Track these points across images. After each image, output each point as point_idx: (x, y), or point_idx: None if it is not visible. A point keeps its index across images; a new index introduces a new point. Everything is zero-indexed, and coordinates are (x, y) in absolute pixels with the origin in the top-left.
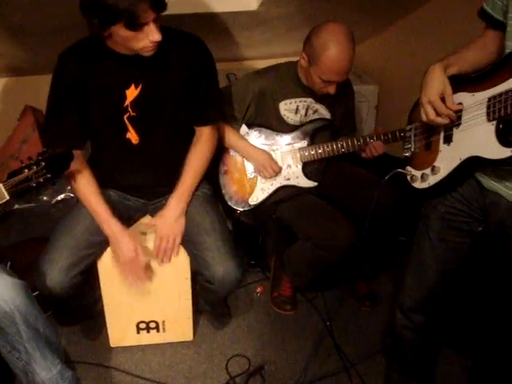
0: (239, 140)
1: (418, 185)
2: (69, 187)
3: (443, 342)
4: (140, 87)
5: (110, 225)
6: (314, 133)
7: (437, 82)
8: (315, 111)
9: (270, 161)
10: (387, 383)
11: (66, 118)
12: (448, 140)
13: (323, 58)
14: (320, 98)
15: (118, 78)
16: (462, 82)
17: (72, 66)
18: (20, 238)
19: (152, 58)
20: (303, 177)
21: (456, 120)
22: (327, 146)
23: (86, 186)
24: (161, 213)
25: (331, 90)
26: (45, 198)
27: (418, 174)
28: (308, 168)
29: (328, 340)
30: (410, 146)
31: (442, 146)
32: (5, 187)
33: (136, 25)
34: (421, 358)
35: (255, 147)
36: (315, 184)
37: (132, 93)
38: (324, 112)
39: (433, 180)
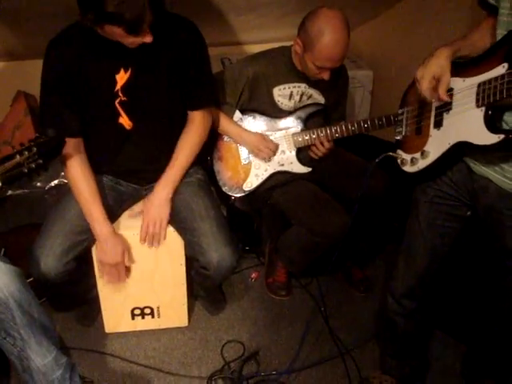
0: (232, 125)
1: (407, 168)
2: (62, 173)
3: (438, 327)
4: (130, 71)
5: (101, 226)
6: (308, 118)
7: (437, 64)
8: (309, 97)
9: (263, 141)
10: (382, 368)
11: (59, 106)
12: (438, 125)
13: (318, 45)
14: (314, 83)
15: (107, 63)
16: (456, 67)
17: (61, 52)
18: (14, 225)
19: None
20: (297, 162)
21: (448, 102)
22: (321, 131)
23: (81, 180)
24: (147, 198)
25: (325, 75)
26: (38, 184)
27: (407, 157)
28: (302, 154)
29: (323, 325)
30: (401, 129)
31: (433, 131)
32: None
33: (137, 31)
34: (413, 343)
35: (248, 131)
36: (309, 170)
37: (122, 77)
38: (318, 97)
39: (422, 164)
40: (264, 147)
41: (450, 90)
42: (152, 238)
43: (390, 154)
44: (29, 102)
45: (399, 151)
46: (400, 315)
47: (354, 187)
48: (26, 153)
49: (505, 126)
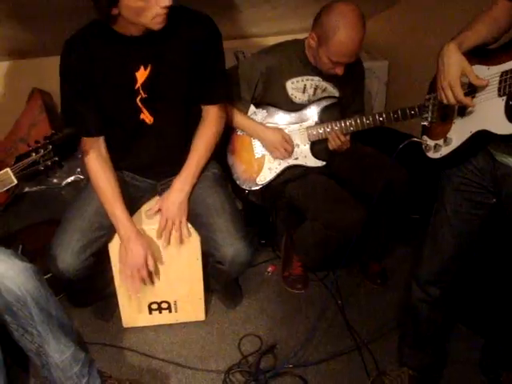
0: (248, 121)
1: (431, 154)
2: (78, 169)
3: (457, 319)
4: (149, 68)
5: (126, 227)
6: (323, 111)
7: (454, 63)
8: (324, 90)
9: (282, 141)
10: (400, 359)
11: (79, 106)
12: (462, 113)
13: (334, 40)
14: (328, 76)
15: (126, 61)
16: (477, 55)
17: (79, 53)
18: (31, 221)
19: (159, 38)
20: (311, 156)
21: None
22: (336, 125)
23: (104, 180)
24: (165, 195)
25: (339, 71)
26: (55, 181)
27: (431, 143)
28: (316, 147)
29: (339, 319)
30: (427, 115)
31: (456, 118)
32: (12, 171)
33: None
34: (434, 332)
35: (265, 127)
36: (323, 163)
37: (142, 75)
38: (333, 90)
39: (445, 151)
40: (281, 147)
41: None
42: (169, 235)
43: (415, 139)
44: (44, 99)
45: (424, 137)
46: (424, 302)
47: (370, 181)
48: (42, 151)
49: None
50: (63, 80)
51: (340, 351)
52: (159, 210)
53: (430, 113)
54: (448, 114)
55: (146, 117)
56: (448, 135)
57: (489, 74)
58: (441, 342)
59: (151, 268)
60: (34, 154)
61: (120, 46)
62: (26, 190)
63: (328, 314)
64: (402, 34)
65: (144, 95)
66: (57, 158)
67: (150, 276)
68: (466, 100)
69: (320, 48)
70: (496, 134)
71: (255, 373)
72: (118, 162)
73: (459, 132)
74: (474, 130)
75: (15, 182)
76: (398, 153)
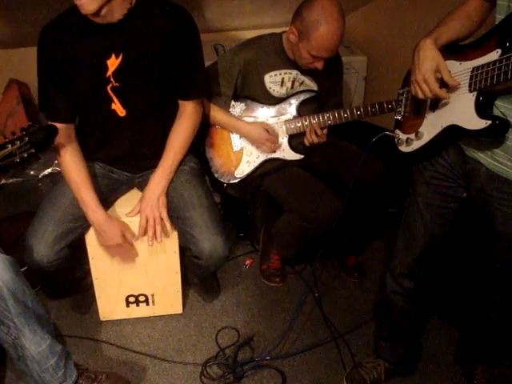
0: (230, 119)
1: (402, 148)
2: (56, 161)
3: (432, 311)
4: (121, 56)
5: (94, 212)
6: (301, 105)
7: (430, 58)
8: (301, 83)
9: (265, 135)
10: (375, 351)
11: (52, 91)
12: (433, 107)
13: (315, 35)
14: (306, 70)
15: (98, 48)
16: (450, 50)
17: (53, 39)
18: (7, 213)
19: (132, 26)
20: (289, 149)
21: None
22: (313, 118)
23: (73, 167)
24: (143, 194)
25: (319, 65)
26: (32, 173)
27: (404, 137)
28: (294, 141)
29: (316, 311)
30: (400, 109)
31: (428, 113)
32: None
33: None
34: (409, 324)
35: (247, 124)
36: (301, 157)
37: (113, 62)
38: (311, 83)
39: (416, 145)
40: (266, 142)
41: None
42: (153, 232)
43: (388, 133)
44: (21, 90)
45: (397, 131)
46: (399, 294)
47: (347, 174)
48: (18, 142)
49: (496, 112)
50: (39, 63)
51: (317, 343)
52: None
53: (403, 107)
54: (420, 108)
55: (118, 108)
56: (420, 129)
57: (460, 69)
58: (416, 334)
59: (131, 240)
60: (9, 146)
61: (93, 33)
62: (3, 182)
63: (305, 307)
64: (381, 30)
65: (115, 84)
66: (33, 150)
67: (132, 246)
68: (441, 92)
69: (300, 42)
70: (466, 129)
71: (232, 365)
72: (92, 153)
73: (431, 126)
74: (444, 125)
75: None
76: (375, 146)
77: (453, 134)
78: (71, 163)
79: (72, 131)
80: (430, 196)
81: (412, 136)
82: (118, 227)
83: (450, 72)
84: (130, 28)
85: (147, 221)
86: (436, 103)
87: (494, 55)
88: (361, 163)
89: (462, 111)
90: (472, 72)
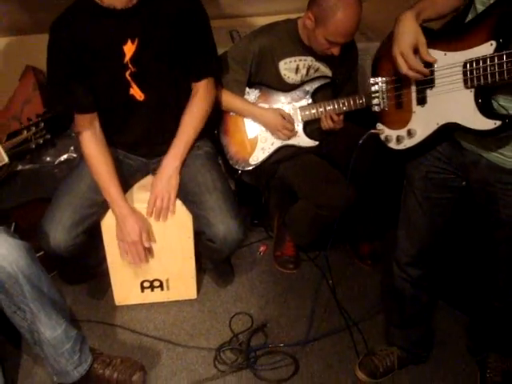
0: (246, 105)
1: (393, 146)
2: (72, 147)
3: (442, 298)
4: (137, 42)
5: (120, 206)
6: (315, 91)
7: (409, 32)
8: (316, 70)
9: (282, 122)
10: (388, 339)
11: (68, 83)
12: (422, 102)
13: (332, 20)
14: (320, 57)
15: (113, 36)
16: (432, 37)
17: (65, 32)
18: (24, 199)
19: (145, 11)
20: (304, 136)
21: (429, 77)
22: (328, 105)
23: (100, 158)
24: (156, 173)
25: (335, 51)
26: (48, 159)
27: (392, 134)
28: (309, 127)
29: (330, 298)
30: (378, 101)
31: (416, 107)
32: (4, 149)
33: None
34: (420, 310)
35: (264, 110)
36: (316, 143)
37: (130, 48)
38: (325, 70)
39: (409, 143)
40: (282, 129)
41: (430, 66)
42: (159, 212)
43: (373, 131)
44: (37, 76)
45: (381, 125)
46: (406, 282)
47: (362, 161)
48: (34, 128)
49: (495, 105)
50: (52, 59)
51: (330, 331)
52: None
53: (381, 99)
54: (404, 101)
55: (136, 92)
56: (410, 126)
57: (448, 61)
58: (427, 320)
59: (146, 244)
60: (25, 132)
61: (106, 20)
62: (19, 168)
63: (319, 294)
64: (398, 14)
65: (133, 69)
66: (49, 136)
67: (146, 251)
68: (420, 67)
69: (317, 28)
70: (471, 129)
71: (246, 350)
72: (111, 138)
73: (423, 123)
74: (441, 122)
75: (6, 160)
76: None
77: (450, 131)
78: (97, 155)
79: (95, 120)
80: (427, 189)
81: (403, 133)
82: (139, 225)
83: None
84: (144, 13)
85: (156, 199)
86: (424, 98)
87: (488, 48)
88: (354, 158)
89: (461, 109)
90: (464, 67)
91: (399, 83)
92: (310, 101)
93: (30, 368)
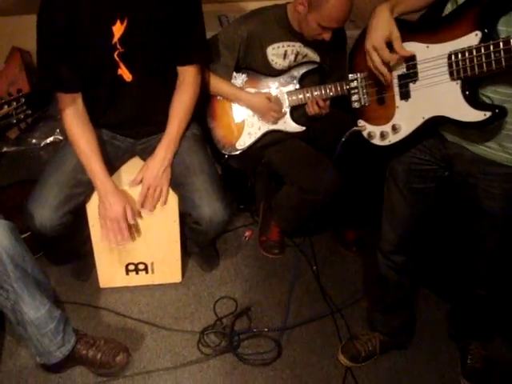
0: (232, 90)
1: (377, 142)
2: (58, 130)
3: (425, 285)
4: (126, 22)
5: (103, 182)
6: (303, 77)
7: (382, 25)
8: (305, 56)
9: (269, 105)
10: (370, 325)
11: (55, 61)
12: (405, 96)
13: (326, 5)
14: (309, 42)
15: (102, 15)
16: (412, 30)
17: (56, 7)
18: (8, 181)
19: None
20: (291, 121)
21: (411, 70)
22: (315, 90)
23: (82, 136)
24: (147, 163)
25: (327, 36)
26: (34, 141)
27: (376, 130)
28: (296, 112)
29: (314, 284)
30: (358, 97)
31: (400, 102)
32: None
33: None
34: (403, 296)
35: (250, 95)
36: (303, 129)
37: (119, 29)
38: (314, 56)
39: (394, 138)
40: (269, 112)
41: (412, 59)
42: (151, 203)
43: (355, 128)
44: (23, 57)
45: (362, 122)
46: (391, 269)
47: (348, 149)
48: (15, 103)
49: (482, 97)
50: (41, 34)
51: (314, 316)
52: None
53: (361, 95)
54: (386, 97)
55: (124, 73)
56: (394, 122)
57: (431, 54)
58: (409, 305)
59: (131, 220)
60: (6, 107)
61: (96, 0)
62: (4, 149)
63: (303, 280)
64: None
65: (121, 50)
66: (30, 111)
67: (130, 229)
68: (393, 58)
69: (310, 13)
70: (459, 121)
71: (229, 334)
72: (98, 119)
73: (407, 118)
74: (427, 116)
75: None
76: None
77: (437, 124)
78: (80, 133)
79: (79, 100)
80: (410, 180)
81: (387, 129)
82: (123, 201)
83: (413, 56)
84: None
85: (148, 190)
86: (407, 92)
87: (473, 39)
88: (336, 154)
89: (449, 102)
90: (449, 59)
91: (378, 78)
92: (298, 86)
93: (13, 349)
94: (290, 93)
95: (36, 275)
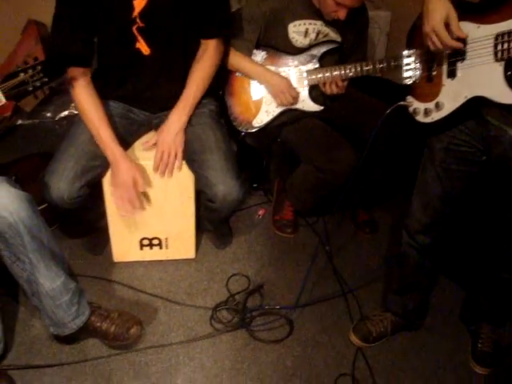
0: (254, 66)
1: (420, 118)
2: (72, 104)
3: (442, 271)
4: None
5: (113, 149)
6: (323, 56)
7: (440, 8)
8: (326, 35)
9: (288, 88)
10: (384, 305)
11: (73, 33)
12: (452, 75)
13: None
14: (330, 22)
15: None
16: (466, 10)
17: None
18: (24, 154)
19: None
20: (309, 100)
21: (461, 50)
22: (335, 70)
23: (89, 105)
24: (162, 127)
25: (341, 15)
26: (48, 115)
27: (420, 106)
28: (314, 92)
29: (327, 264)
30: (410, 74)
31: (446, 81)
32: (1, 90)
33: None
34: (421, 278)
35: (271, 72)
36: (320, 108)
37: (139, 3)
38: (335, 36)
39: (437, 116)
40: (287, 93)
41: (463, 39)
42: (165, 168)
43: (402, 103)
44: (40, 30)
45: (410, 98)
46: (414, 249)
47: (366, 127)
48: (31, 71)
49: None
50: (60, 5)
51: (326, 296)
52: (156, 143)
53: (413, 71)
54: (434, 74)
55: (142, 46)
56: (439, 99)
57: (480, 34)
58: (426, 289)
59: (141, 188)
60: (22, 74)
61: None
62: (20, 122)
63: (316, 260)
64: None
65: (141, 24)
66: (46, 79)
67: (140, 199)
68: (453, 42)
69: None
70: (498, 103)
71: (242, 311)
72: (113, 91)
73: (451, 96)
74: (469, 96)
75: (4, 100)
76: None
77: (478, 105)
78: (88, 102)
79: (88, 74)
80: (448, 161)
81: (431, 106)
82: (133, 170)
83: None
84: None
85: (162, 155)
86: (454, 71)
87: None
88: (375, 131)
89: (489, 82)
90: (496, 40)
91: (431, 55)
92: (317, 65)
93: (27, 320)
94: (309, 72)
95: (52, 247)
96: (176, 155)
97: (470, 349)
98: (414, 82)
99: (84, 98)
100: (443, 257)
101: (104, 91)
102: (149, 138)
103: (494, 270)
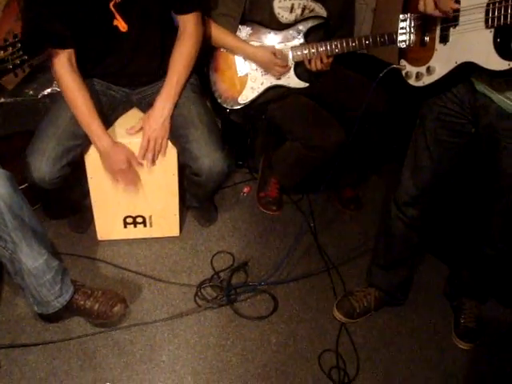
0: (238, 43)
1: (412, 82)
2: (55, 82)
3: (426, 248)
4: None
5: (102, 139)
6: (308, 32)
7: None
8: (311, 10)
9: (273, 60)
10: (369, 279)
11: (50, 17)
12: (444, 40)
13: None
14: None
15: None
16: None
17: None
18: (5, 132)
19: None
20: (294, 77)
21: (452, 18)
22: (321, 46)
23: (77, 93)
24: (148, 114)
25: None
26: (31, 93)
27: (413, 70)
28: (300, 68)
29: (311, 241)
30: (405, 38)
31: (438, 45)
32: None
33: None
34: (407, 252)
35: (254, 47)
36: (306, 85)
37: None
38: (320, 10)
39: (427, 80)
40: (275, 66)
41: (457, 3)
42: (152, 156)
43: (395, 66)
44: (21, 7)
45: (403, 61)
46: (401, 220)
47: (352, 103)
48: (11, 49)
49: None
50: None
51: (310, 272)
52: (141, 128)
53: (408, 35)
54: (427, 39)
55: (120, 23)
56: (430, 63)
57: (474, 2)
58: (411, 264)
59: (136, 164)
60: (2, 52)
61: None
62: (1, 100)
63: (300, 236)
64: None
65: (118, 0)
66: (26, 57)
67: (137, 173)
68: (447, 7)
69: None
70: (485, 69)
71: (226, 288)
72: (91, 69)
73: (443, 61)
74: (459, 61)
75: None
76: (382, 80)
77: (467, 71)
78: (75, 89)
79: (72, 54)
80: (438, 131)
81: (422, 70)
82: (124, 153)
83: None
84: None
85: (148, 143)
86: (446, 36)
87: None
88: (369, 95)
89: (479, 48)
90: (488, 6)
91: (425, 20)
92: (303, 41)
93: (11, 299)
94: (294, 48)
95: (33, 225)
96: (162, 143)
97: (453, 324)
98: (408, 45)
99: (71, 85)
100: (428, 232)
101: (82, 68)
102: (130, 117)
103: (478, 246)
